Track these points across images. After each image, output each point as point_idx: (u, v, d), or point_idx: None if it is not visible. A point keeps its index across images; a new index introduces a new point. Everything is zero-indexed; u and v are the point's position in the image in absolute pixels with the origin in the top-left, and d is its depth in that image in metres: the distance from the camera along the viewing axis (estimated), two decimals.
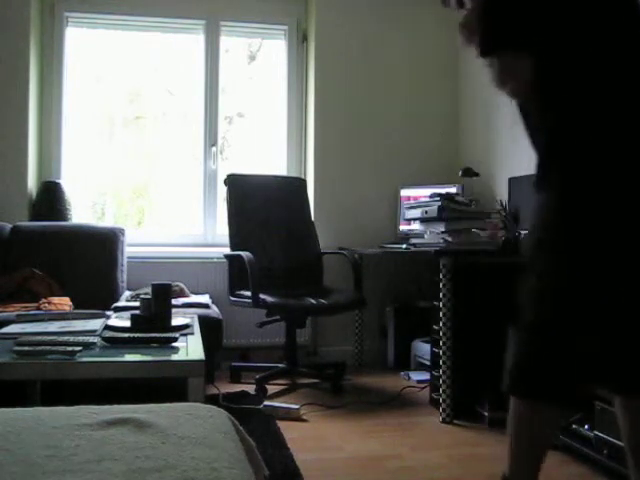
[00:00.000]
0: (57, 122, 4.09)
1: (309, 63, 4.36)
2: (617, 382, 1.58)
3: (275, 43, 4.50)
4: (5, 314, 2.88)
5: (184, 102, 4.39)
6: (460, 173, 3.72)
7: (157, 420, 1.33)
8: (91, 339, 2.15)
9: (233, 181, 3.83)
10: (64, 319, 2.58)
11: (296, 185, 4.07)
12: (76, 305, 3.15)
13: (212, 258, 4.01)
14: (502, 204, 3.52)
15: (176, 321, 2.48)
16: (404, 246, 3.65)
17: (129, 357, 2.09)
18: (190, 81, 4.35)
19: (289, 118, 4.41)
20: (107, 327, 2.41)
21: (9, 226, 3.59)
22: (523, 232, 3.25)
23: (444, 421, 2.95)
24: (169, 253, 4.02)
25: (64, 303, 3.12)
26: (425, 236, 3.31)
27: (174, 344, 2.19)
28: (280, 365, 3.61)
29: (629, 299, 1.49)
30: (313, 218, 4.06)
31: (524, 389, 1.59)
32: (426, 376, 3.40)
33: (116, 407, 1.44)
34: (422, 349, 3.68)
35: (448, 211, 3.10)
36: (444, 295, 2.94)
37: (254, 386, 3.39)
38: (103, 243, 3.63)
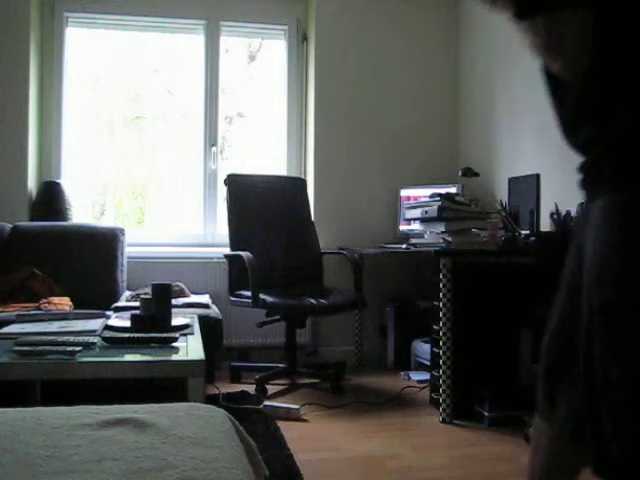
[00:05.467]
0: (57, 122, 4.09)
1: (309, 63, 4.36)
2: None
3: (275, 43, 4.50)
4: (5, 314, 2.88)
5: (184, 102, 4.38)
6: (460, 173, 3.72)
7: (157, 420, 1.33)
8: (91, 339, 2.15)
9: (233, 181, 3.83)
10: (64, 319, 2.58)
11: (296, 185, 4.07)
12: (76, 305, 3.15)
13: (212, 258, 4.00)
14: (502, 204, 3.52)
15: (176, 321, 2.48)
16: (404, 246, 3.65)
17: (129, 357, 2.09)
18: (190, 81, 4.35)
19: (289, 118, 4.41)
20: (107, 327, 2.41)
21: (9, 226, 3.59)
22: (523, 232, 3.26)
23: (444, 421, 2.95)
24: (169, 253, 4.02)
25: (64, 303, 3.12)
26: (425, 236, 3.31)
27: (174, 344, 2.19)
28: (280, 365, 3.61)
29: None
30: (313, 218, 4.05)
31: None
32: (426, 376, 3.41)
33: (116, 407, 1.44)
34: (422, 349, 3.68)
35: (448, 211, 3.10)
36: (444, 295, 2.94)
37: (254, 386, 3.39)
38: (103, 243, 3.62)
